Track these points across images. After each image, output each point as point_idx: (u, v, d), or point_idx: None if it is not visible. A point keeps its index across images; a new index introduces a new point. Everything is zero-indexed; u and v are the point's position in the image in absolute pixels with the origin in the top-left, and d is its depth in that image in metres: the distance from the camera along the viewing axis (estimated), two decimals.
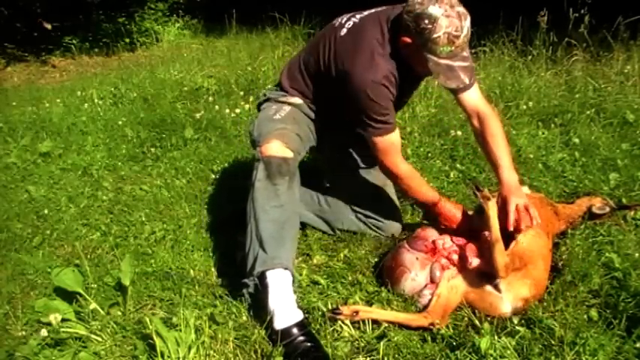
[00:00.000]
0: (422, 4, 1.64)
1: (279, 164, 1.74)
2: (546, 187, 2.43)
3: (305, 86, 1.99)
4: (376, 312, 1.66)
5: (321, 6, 6.35)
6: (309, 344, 1.52)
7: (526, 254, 1.66)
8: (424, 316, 1.62)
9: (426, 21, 1.63)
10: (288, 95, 2.01)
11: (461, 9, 1.66)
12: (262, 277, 1.66)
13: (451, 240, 1.84)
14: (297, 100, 1.99)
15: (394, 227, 2.16)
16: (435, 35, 1.63)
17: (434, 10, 1.62)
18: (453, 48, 1.65)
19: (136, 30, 7.83)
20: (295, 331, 1.54)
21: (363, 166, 2.16)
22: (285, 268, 1.66)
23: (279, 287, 1.63)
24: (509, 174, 1.85)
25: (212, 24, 8.04)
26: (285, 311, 1.59)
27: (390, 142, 1.85)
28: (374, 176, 2.16)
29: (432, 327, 1.59)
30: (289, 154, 1.77)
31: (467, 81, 1.73)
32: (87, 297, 1.76)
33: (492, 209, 1.70)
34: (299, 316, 1.60)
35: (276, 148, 1.76)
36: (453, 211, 1.93)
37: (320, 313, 1.67)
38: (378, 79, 1.73)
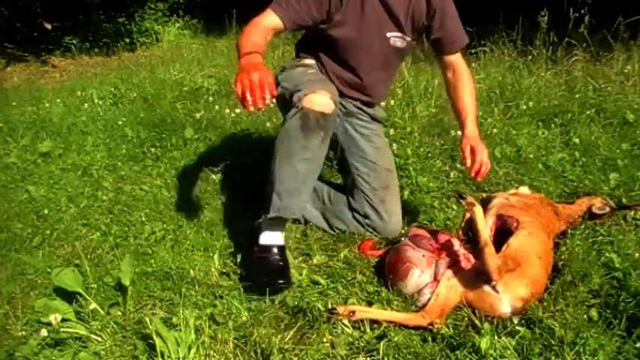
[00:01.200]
0: None
1: (317, 119, 1.72)
2: (546, 187, 2.43)
3: (313, 46, 2.05)
4: (373, 312, 1.66)
5: None
6: (281, 264, 1.74)
7: (519, 254, 1.66)
8: (422, 316, 1.62)
9: None
10: (301, 59, 2.08)
11: None
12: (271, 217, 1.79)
13: (459, 244, 1.86)
14: (311, 61, 2.06)
15: (390, 228, 2.14)
16: None
17: None
18: None
19: (136, 30, 7.83)
20: (275, 250, 1.73)
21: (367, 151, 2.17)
22: (295, 216, 1.84)
23: (278, 222, 1.82)
24: (473, 127, 1.97)
25: (212, 24, 8.04)
26: (273, 234, 1.76)
27: (264, 17, 1.81)
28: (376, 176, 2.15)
29: (429, 327, 1.59)
30: (330, 108, 1.75)
31: None
32: (87, 297, 1.76)
33: (479, 215, 1.70)
34: (282, 242, 1.80)
35: (320, 101, 1.73)
36: (257, 71, 1.48)
37: (319, 312, 1.68)
38: None
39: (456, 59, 2.08)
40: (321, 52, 2.06)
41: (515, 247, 1.69)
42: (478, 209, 1.71)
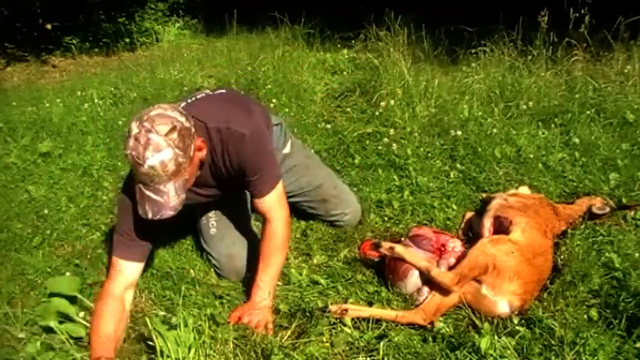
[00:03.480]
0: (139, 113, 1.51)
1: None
2: (546, 187, 2.43)
3: None
4: (366, 310, 1.67)
5: (321, 6, 6.35)
6: None
7: (480, 260, 1.67)
8: (415, 313, 1.63)
9: (127, 131, 1.49)
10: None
11: (156, 138, 1.43)
12: None
13: (460, 244, 1.87)
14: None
15: (354, 222, 2.26)
16: (125, 151, 1.48)
17: (132, 124, 1.47)
18: (136, 172, 1.48)
19: (136, 30, 7.81)
20: None
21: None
22: None
23: None
24: (261, 294, 1.72)
25: (212, 24, 8.03)
26: None
27: (113, 277, 1.73)
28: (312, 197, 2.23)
29: (424, 324, 1.60)
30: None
31: (149, 215, 1.51)
32: (85, 300, 1.76)
33: (403, 252, 1.77)
34: None
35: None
36: None
37: (316, 310, 1.68)
38: None
39: (269, 207, 1.77)
40: None
41: (474, 256, 1.69)
42: (399, 248, 1.79)
